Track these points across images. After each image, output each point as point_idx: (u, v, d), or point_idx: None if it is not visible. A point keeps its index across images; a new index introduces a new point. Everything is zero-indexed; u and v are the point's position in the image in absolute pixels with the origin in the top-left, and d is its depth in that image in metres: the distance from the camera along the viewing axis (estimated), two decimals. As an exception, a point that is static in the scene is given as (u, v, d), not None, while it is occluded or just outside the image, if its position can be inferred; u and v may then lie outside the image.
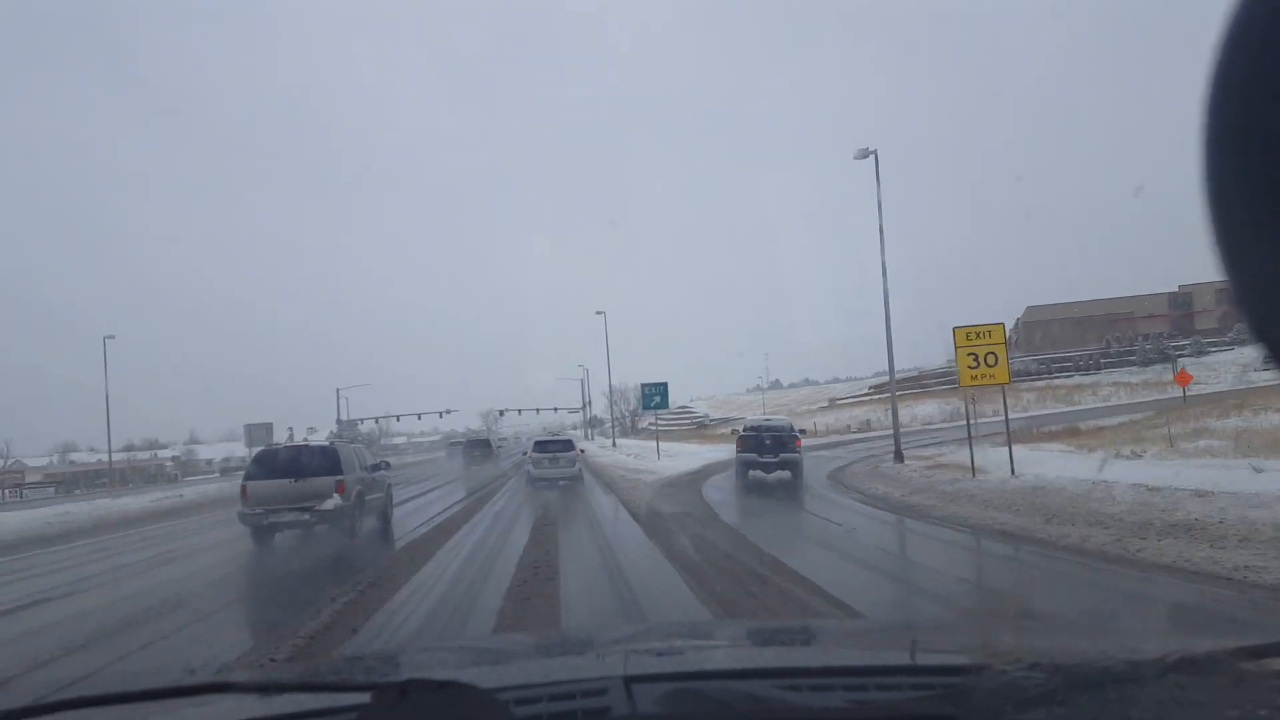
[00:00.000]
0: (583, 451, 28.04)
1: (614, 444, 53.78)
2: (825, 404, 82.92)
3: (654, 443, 44.83)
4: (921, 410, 57.70)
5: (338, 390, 75.45)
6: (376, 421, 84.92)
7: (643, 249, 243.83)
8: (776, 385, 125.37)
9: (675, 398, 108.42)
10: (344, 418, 76.22)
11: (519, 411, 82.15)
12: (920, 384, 71.90)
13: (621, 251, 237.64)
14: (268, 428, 44.02)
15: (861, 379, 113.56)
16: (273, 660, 5.79)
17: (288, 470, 12.48)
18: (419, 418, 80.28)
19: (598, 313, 49.05)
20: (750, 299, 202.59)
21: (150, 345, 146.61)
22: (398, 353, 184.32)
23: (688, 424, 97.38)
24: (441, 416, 73.43)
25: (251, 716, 1.28)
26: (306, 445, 14.23)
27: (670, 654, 1.86)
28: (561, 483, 22.71)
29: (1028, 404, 54.42)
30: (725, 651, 1.89)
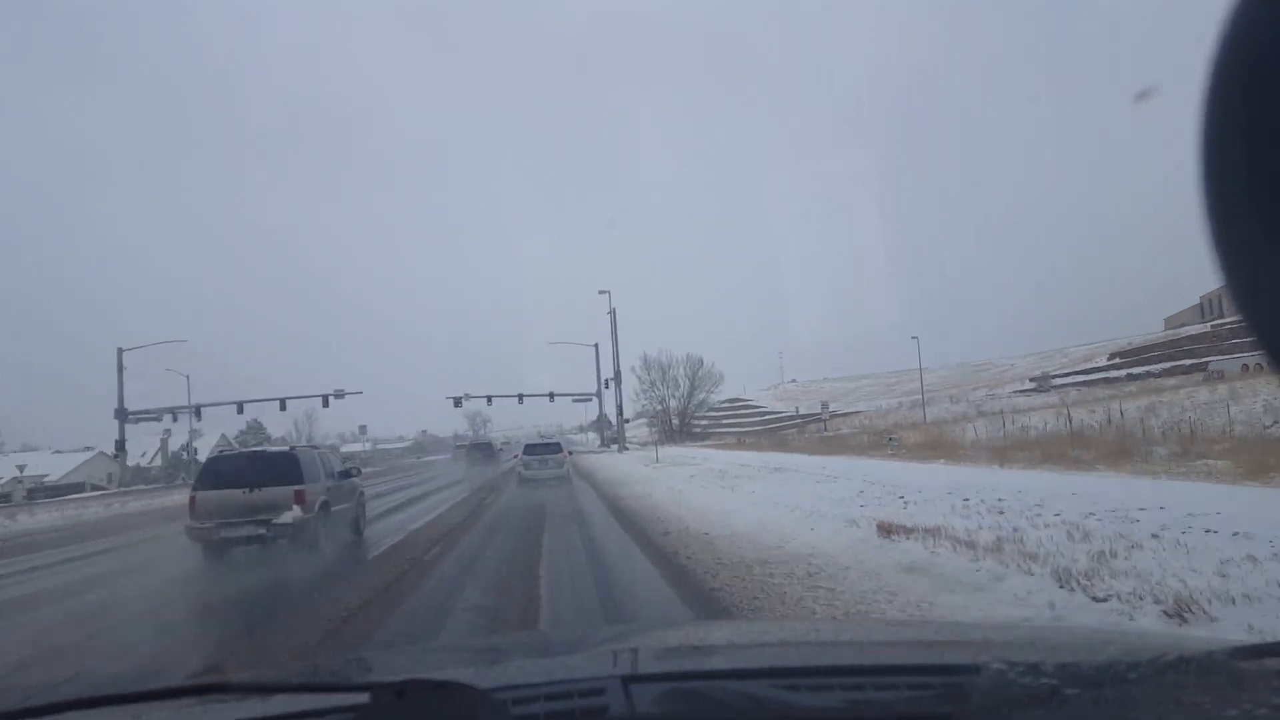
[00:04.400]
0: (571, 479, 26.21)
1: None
2: (1028, 386, 55.92)
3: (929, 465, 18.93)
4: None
5: (120, 350, 44.61)
6: (172, 415, 52.81)
7: (645, 242, 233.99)
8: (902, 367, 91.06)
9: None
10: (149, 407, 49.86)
11: (488, 400, 58.85)
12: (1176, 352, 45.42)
13: (623, 245, 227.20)
14: None
15: (875, 375, 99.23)
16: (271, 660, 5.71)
17: (241, 479, 11.71)
18: (282, 405, 51.88)
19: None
20: (766, 287, 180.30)
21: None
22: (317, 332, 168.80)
23: (753, 421, 79.65)
24: (326, 404, 50.64)
25: (251, 716, 1.28)
26: (263, 450, 13.49)
27: (668, 653, 1.87)
28: (550, 481, 23.89)
29: None
30: (723, 651, 1.90)
